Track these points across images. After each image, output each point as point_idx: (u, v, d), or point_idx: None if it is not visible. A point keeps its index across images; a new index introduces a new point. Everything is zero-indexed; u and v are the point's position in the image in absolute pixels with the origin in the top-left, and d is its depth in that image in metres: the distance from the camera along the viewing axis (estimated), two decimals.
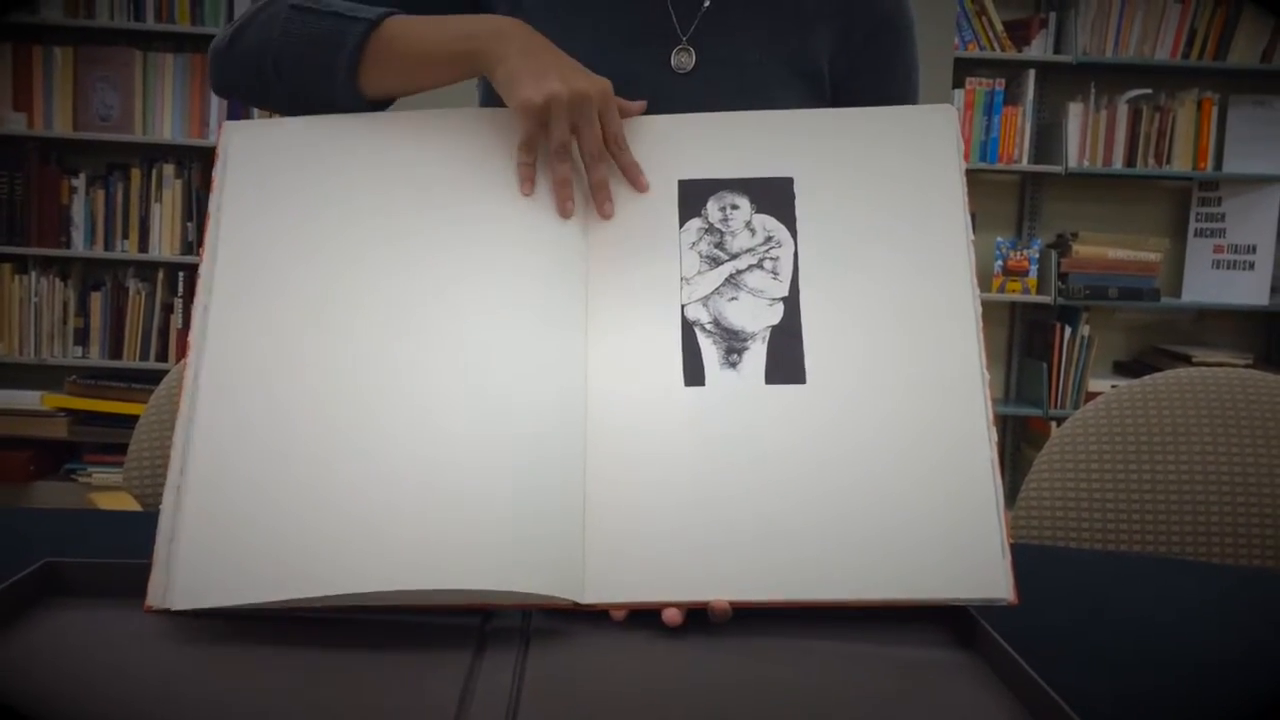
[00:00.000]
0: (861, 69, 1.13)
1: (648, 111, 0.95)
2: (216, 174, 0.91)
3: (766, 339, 0.86)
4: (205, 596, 0.75)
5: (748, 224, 0.89)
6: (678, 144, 0.93)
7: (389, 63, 0.97)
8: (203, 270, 0.87)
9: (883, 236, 0.88)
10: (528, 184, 0.90)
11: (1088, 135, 3.38)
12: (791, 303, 0.87)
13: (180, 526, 0.77)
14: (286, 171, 0.91)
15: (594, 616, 0.78)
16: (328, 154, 0.92)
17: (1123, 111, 3.39)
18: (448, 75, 0.98)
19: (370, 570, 0.74)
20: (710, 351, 0.85)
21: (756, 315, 0.86)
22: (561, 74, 0.91)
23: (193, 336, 0.85)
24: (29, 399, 3.27)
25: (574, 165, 0.91)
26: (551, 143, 0.90)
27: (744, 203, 0.90)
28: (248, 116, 2.93)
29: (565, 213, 0.90)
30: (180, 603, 0.75)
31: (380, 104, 1.03)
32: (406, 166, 0.91)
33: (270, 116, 1.00)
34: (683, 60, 1.09)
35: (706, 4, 1.09)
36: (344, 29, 0.97)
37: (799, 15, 1.11)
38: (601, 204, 0.91)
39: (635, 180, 0.92)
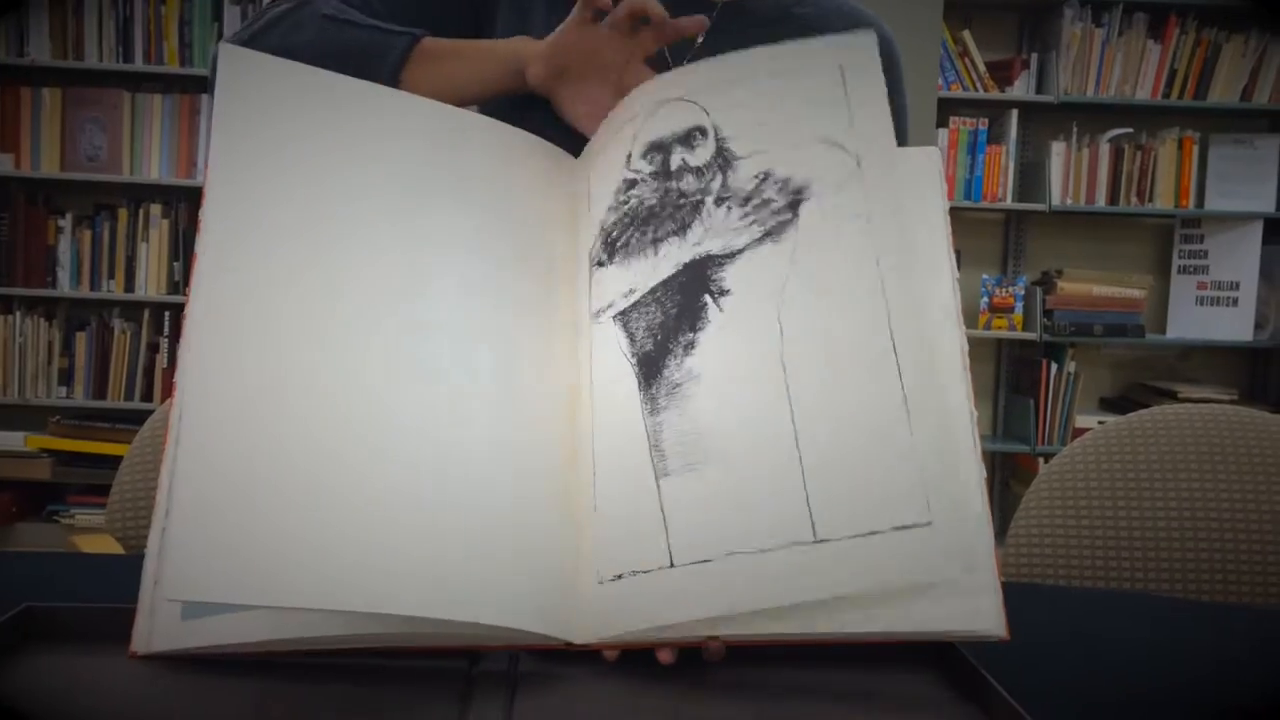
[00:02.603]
0: None
1: None
2: (214, 112, 0.80)
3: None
4: (181, 638, 0.73)
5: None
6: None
7: (431, 77, 1.01)
8: (190, 295, 0.85)
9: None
10: None
11: (1070, 173, 3.42)
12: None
13: (163, 561, 0.74)
14: (287, 151, 0.82)
15: (583, 657, 0.77)
16: (334, 128, 0.84)
17: (1105, 150, 3.42)
18: (494, 84, 1.04)
19: (357, 597, 0.72)
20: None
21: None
22: None
23: (179, 374, 0.82)
24: (12, 439, 3.24)
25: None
26: None
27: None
28: None
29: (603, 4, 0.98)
30: (158, 642, 0.74)
31: None
32: (411, 163, 0.86)
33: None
34: None
35: (699, 41, 1.11)
36: (386, 42, 1.01)
37: None
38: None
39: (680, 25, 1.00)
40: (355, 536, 0.74)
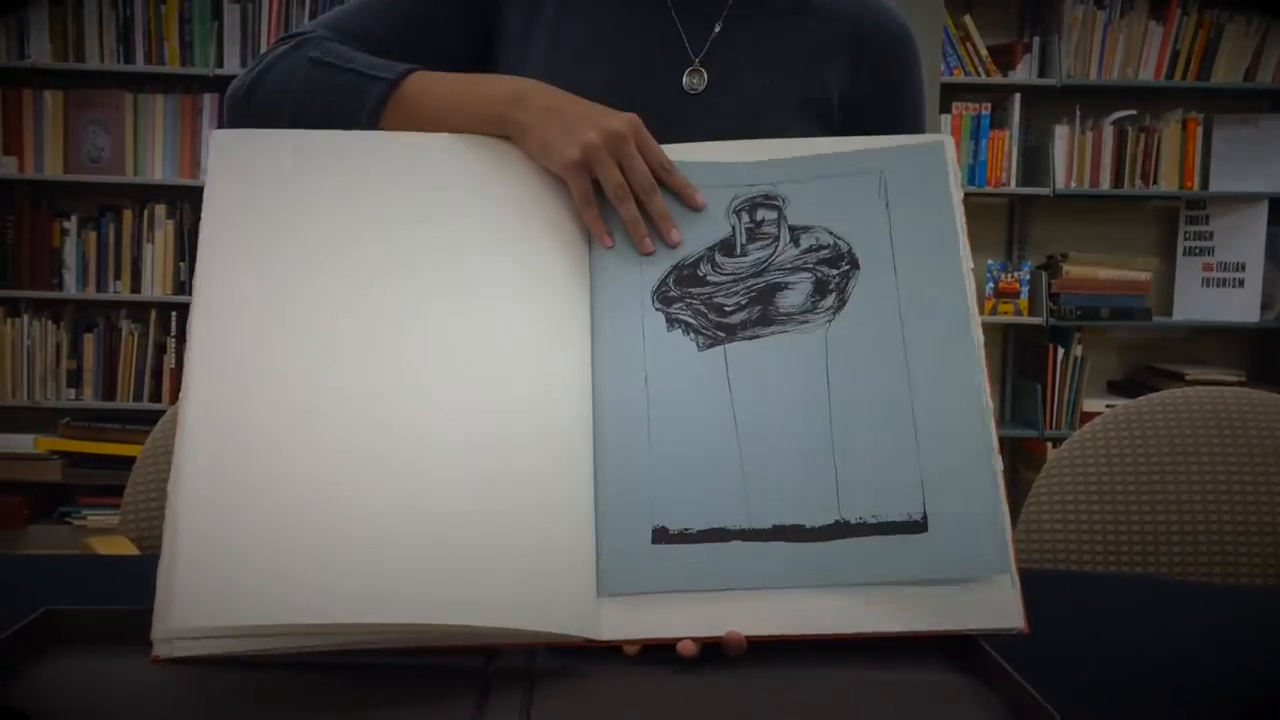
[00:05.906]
0: (870, 100, 1.14)
1: (657, 136, 0.95)
2: (206, 187, 0.87)
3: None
4: (204, 642, 0.73)
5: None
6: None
7: (409, 125, 0.97)
8: (194, 302, 0.86)
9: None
10: (606, 236, 0.90)
11: (1074, 157, 3.41)
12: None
13: (176, 570, 0.75)
14: (277, 188, 0.87)
15: (602, 653, 0.77)
16: (321, 171, 0.89)
17: (1108, 133, 3.41)
18: (478, 127, 0.96)
19: (374, 603, 0.73)
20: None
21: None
22: (590, 120, 0.91)
23: (185, 375, 0.83)
24: (22, 442, 3.26)
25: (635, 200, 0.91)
26: (608, 190, 0.90)
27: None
28: None
29: (645, 249, 0.90)
30: (180, 647, 0.74)
31: None
32: (403, 186, 0.89)
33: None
34: (694, 82, 1.09)
35: (717, 28, 1.11)
36: (365, 88, 0.99)
37: (810, 45, 1.12)
38: (668, 233, 0.90)
39: (691, 199, 0.92)
40: (368, 552, 0.75)
